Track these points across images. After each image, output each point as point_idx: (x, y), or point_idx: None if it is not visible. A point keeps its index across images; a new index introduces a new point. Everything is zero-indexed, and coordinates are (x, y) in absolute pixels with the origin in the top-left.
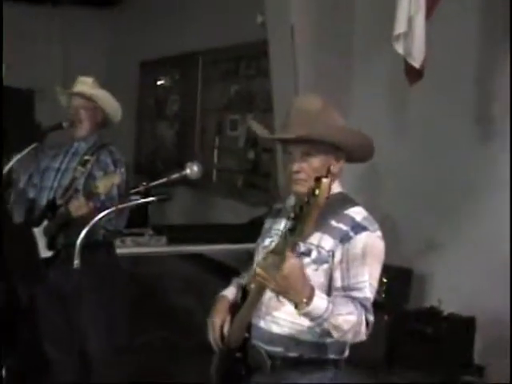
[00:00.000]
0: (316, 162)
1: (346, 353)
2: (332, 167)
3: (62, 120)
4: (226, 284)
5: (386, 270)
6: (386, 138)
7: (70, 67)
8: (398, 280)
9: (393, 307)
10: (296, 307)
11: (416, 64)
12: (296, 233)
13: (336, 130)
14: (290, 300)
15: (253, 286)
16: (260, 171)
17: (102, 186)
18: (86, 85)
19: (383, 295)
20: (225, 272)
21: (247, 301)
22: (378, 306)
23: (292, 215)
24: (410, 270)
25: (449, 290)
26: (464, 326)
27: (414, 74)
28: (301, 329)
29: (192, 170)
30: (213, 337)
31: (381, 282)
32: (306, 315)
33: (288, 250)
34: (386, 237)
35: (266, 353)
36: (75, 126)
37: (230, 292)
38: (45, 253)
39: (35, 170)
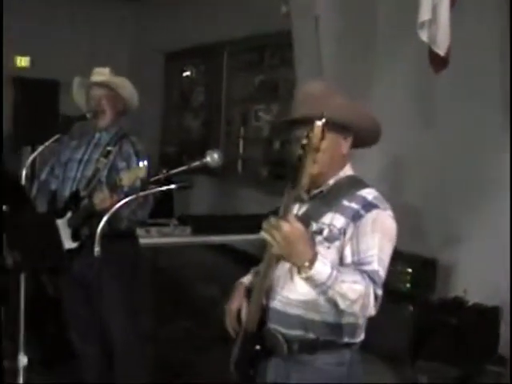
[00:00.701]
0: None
1: (362, 336)
2: (323, 121)
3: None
4: None
5: (411, 260)
6: (410, 130)
7: (96, 59)
8: (423, 270)
9: (418, 298)
10: (299, 272)
11: (441, 52)
12: (296, 182)
13: (338, 108)
14: (292, 263)
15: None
16: (285, 161)
17: (127, 178)
18: (104, 75)
19: (408, 285)
20: (249, 262)
21: (259, 277)
22: (403, 296)
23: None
24: (436, 260)
25: (474, 280)
26: (489, 316)
27: (438, 62)
28: (315, 309)
29: (212, 157)
30: (229, 322)
31: (406, 273)
32: (309, 280)
33: (289, 205)
34: (412, 227)
35: (282, 336)
36: (98, 116)
37: (247, 279)
38: (69, 244)
39: (56, 162)
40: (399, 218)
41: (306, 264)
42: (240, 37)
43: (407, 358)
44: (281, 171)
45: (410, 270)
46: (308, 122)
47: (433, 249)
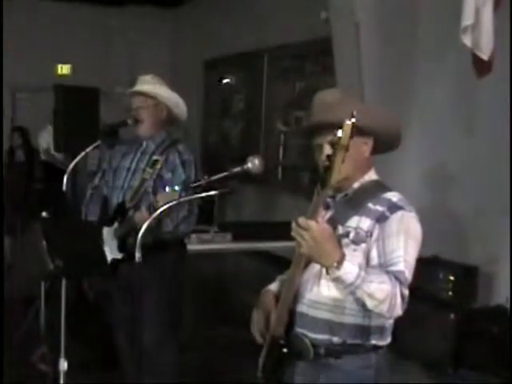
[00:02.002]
0: None
1: (389, 339)
2: (353, 120)
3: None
4: None
5: (453, 268)
6: (453, 136)
7: (136, 67)
8: (465, 278)
9: (459, 306)
10: (327, 272)
11: (484, 56)
12: (326, 182)
13: (357, 112)
14: (321, 263)
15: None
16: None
17: (162, 202)
18: (144, 83)
19: (450, 293)
20: (289, 268)
21: (287, 281)
22: (444, 304)
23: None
24: (478, 268)
25: None
26: None
27: (482, 67)
28: (343, 312)
29: (254, 163)
30: (255, 328)
31: (448, 280)
32: (338, 280)
33: (318, 205)
34: (454, 235)
35: (309, 341)
36: (138, 125)
37: (274, 286)
38: (115, 254)
39: (108, 167)
40: (441, 226)
41: (335, 264)
42: (280, 43)
43: (449, 367)
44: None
45: (452, 278)
46: (327, 128)
47: (475, 257)
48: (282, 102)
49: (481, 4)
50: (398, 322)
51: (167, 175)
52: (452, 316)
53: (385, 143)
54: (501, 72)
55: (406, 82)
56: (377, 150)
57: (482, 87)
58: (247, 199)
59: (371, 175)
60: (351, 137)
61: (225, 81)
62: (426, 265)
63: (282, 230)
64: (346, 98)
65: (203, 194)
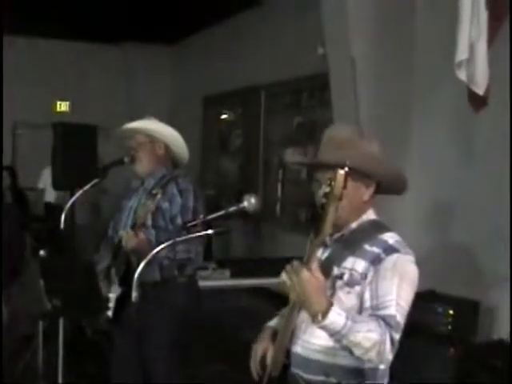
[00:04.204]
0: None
1: (386, 380)
2: (346, 169)
3: (123, 156)
4: None
5: (453, 301)
6: (450, 169)
7: (135, 103)
8: (465, 312)
9: (460, 340)
10: (312, 320)
11: (480, 91)
12: (319, 232)
13: (362, 157)
14: (306, 310)
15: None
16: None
17: (139, 215)
18: (140, 121)
19: (449, 327)
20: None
21: (283, 321)
22: (443, 338)
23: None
24: (478, 302)
25: None
26: None
27: (478, 101)
28: (336, 353)
29: (250, 202)
30: (253, 364)
31: (447, 314)
32: (324, 329)
33: (312, 253)
34: (453, 269)
35: (304, 381)
36: (135, 163)
37: (274, 323)
38: (116, 290)
39: (117, 214)
40: (440, 259)
41: (319, 315)
42: (277, 79)
43: None
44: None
45: (451, 312)
46: (329, 167)
47: (475, 290)
48: (279, 137)
49: (475, 39)
50: (397, 357)
51: (165, 205)
52: (452, 350)
53: (388, 188)
54: (498, 103)
55: (403, 117)
56: (381, 191)
57: (480, 119)
58: (246, 235)
59: (369, 215)
60: (344, 187)
61: (223, 117)
62: (425, 299)
63: (281, 267)
64: (355, 137)
65: (199, 234)
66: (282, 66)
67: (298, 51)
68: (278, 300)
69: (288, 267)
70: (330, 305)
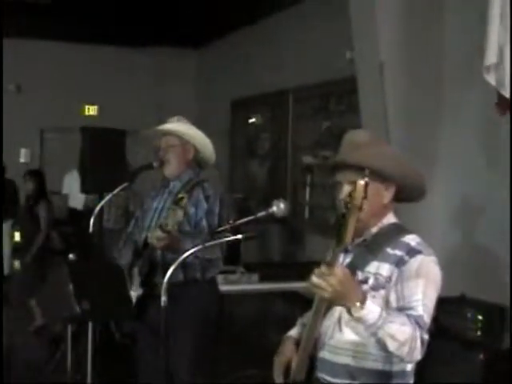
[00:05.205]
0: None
1: (411, 382)
2: (366, 180)
3: (152, 160)
4: None
5: (482, 307)
6: (477, 174)
7: (162, 107)
8: (493, 318)
9: (489, 346)
10: (350, 313)
11: (507, 94)
12: (340, 241)
13: (381, 157)
14: (344, 305)
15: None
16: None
17: (171, 221)
18: (172, 123)
19: (479, 333)
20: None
21: (307, 327)
22: (473, 344)
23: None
24: (506, 307)
25: None
26: None
27: (505, 105)
28: (364, 357)
29: (278, 207)
30: (276, 375)
31: (476, 320)
32: (360, 321)
33: (335, 259)
34: (482, 273)
35: None
36: (164, 165)
37: (295, 332)
38: (138, 291)
39: (140, 213)
40: (469, 263)
41: (358, 304)
42: (305, 83)
43: None
44: None
45: (480, 318)
46: (348, 167)
47: (504, 295)
48: (307, 142)
49: (503, 42)
50: (426, 362)
51: (191, 210)
52: (481, 356)
53: (408, 193)
54: None
55: (431, 121)
56: (399, 198)
57: (507, 122)
58: (274, 239)
59: (390, 218)
60: (364, 197)
61: (251, 120)
62: (453, 304)
63: (310, 270)
64: (374, 140)
65: (229, 239)
66: (311, 70)
67: (326, 55)
68: (306, 304)
69: (318, 271)
70: (365, 294)
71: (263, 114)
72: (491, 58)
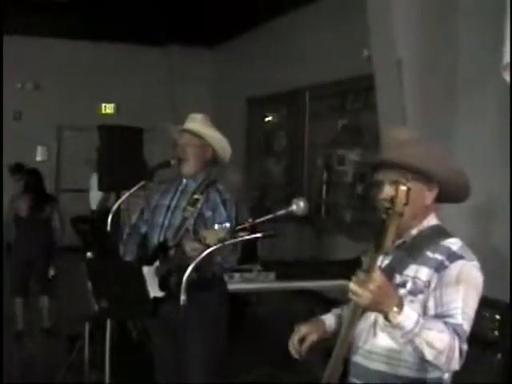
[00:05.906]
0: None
1: None
2: (407, 183)
3: (170, 158)
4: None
5: (500, 306)
6: (493, 171)
7: (179, 105)
8: (510, 317)
9: (507, 345)
10: (387, 319)
11: None
12: (379, 247)
13: (425, 158)
14: (381, 310)
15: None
16: (368, 206)
17: (210, 239)
18: (194, 122)
19: (496, 333)
20: (335, 308)
21: (342, 331)
22: (490, 344)
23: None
24: None
25: None
26: None
27: None
28: (399, 364)
29: (298, 205)
30: (292, 341)
31: (494, 320)
32: (397, 327)
33: (374, 265)
34: (500, 272)
35: None
36: (182, 163)
37: (327, 317)
38: (156, 292)
39: (146, 206)
40: (487, 263)
41: (395, 309)
42: (322, 81)
43: None
44: (364, 216)
45: (498, 317)
46: (390, 166)
47: None
48: (324, 140)
49: None
50: None
51: (208, 213)
52: (499, 356)
53: (451, 194)
54: None
55: (448, 118)
56: (442, 199)
57: None
58: (291, 237)
59: (431, 220)
60: (406, 203)
61: (267, 119)
62: None
63: (325, 269)
64: (417, 139)
65: (248, 237)
66: (327, 68)
67: (342, 53)
68: (323, 302)
69: (357, 278)
70: (402, 299)
71: (279, 112)
72: (508, 56)
